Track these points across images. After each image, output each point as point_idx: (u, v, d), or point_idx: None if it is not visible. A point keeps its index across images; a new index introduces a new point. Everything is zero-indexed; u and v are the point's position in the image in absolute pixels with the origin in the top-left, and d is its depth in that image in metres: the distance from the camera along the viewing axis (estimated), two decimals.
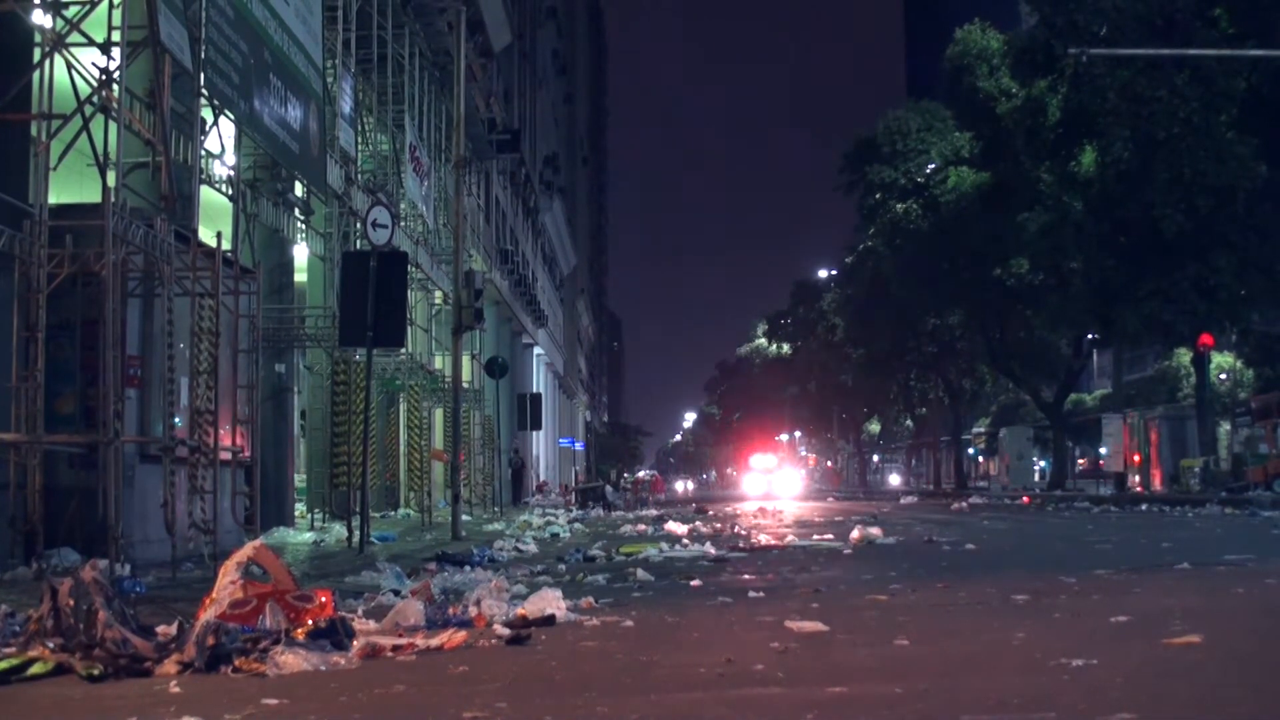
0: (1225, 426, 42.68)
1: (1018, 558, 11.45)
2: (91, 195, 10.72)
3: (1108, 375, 54.98)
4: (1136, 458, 39.10)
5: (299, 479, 19.66)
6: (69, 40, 10.50)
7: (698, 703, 4.32)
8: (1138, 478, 38.99)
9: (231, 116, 13.37)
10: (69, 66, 10.46)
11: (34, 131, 10.31)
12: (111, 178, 10.29)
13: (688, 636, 6.12)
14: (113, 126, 10.51)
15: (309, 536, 15.72)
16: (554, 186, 59.81)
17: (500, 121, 35.29)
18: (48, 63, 10.37)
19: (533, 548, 13.70)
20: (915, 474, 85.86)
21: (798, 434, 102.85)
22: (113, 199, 9.97)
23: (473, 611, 6.45)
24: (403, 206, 22.73)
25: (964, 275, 41.45)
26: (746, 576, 9.48)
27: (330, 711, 4.25)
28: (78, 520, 10.11)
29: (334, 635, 5.31)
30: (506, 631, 5.92)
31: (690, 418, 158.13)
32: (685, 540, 14.44)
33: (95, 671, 4.85)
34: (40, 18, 10.71)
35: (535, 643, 5.73)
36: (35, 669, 4.92)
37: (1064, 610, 6.75)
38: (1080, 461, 58.05)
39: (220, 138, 13.64)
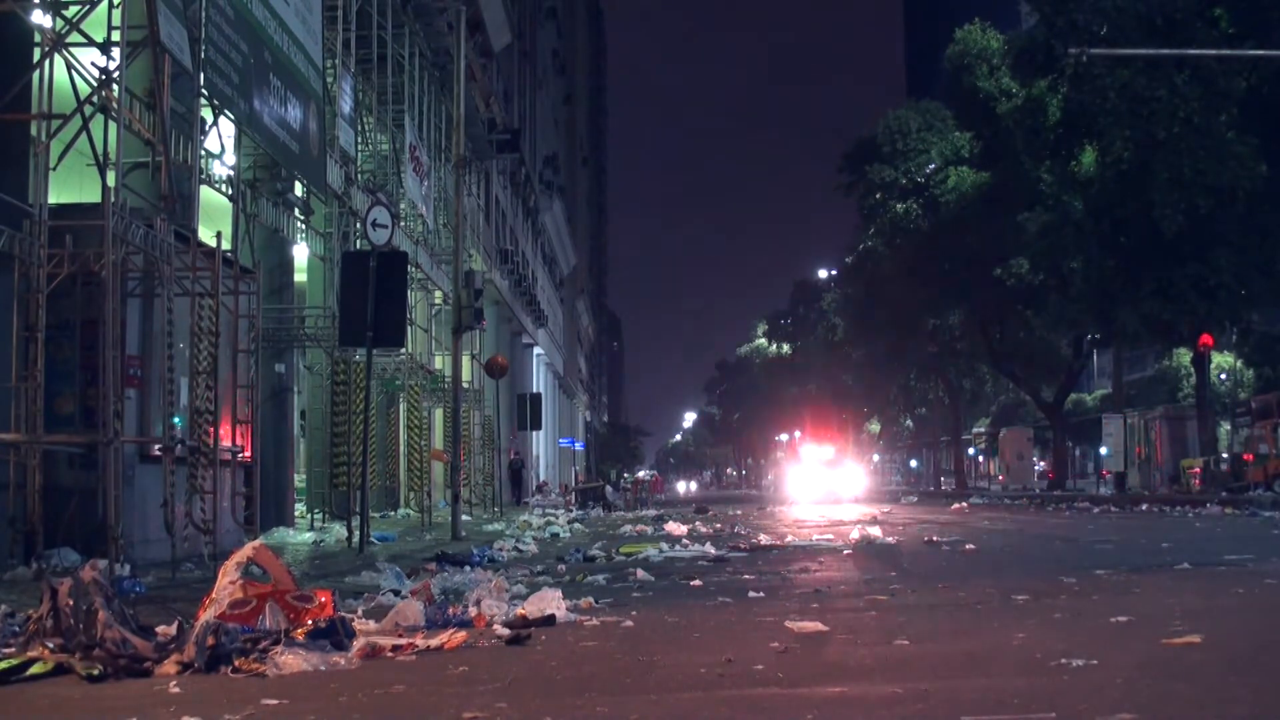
0: (1225, 426, 42.67)
1: (1018, 557, 11.46)
2: (91, 195, 10.73)
3: (1108, 375, 55.00)
4: (1140, 451, 39.14)
5: (299, 479, 19.67)
6: (69, 40, 10.51)
7: (698, 703, 4.32)
8: (1137, 478, 38.99)
9: (231, 116, 13.38)
10: (69, 66, 10.47)
11: (34, 131, 10.31)
12: (111, 178, 10.29)
13: (688, 636, 6.12)
14: (112, 126, 10.52)
15: (309, 536, 15.72)
16: (554, 186, 59.86)
17: (500, 121, 35.30)
18: (48, 63, 10.37)
19: (533, 548, 13.71)
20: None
21: (797, 434, 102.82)
22: (113, 199, 9.98)
23: (473, 611, 6.45)
24: (403, 206, 22.74)
25: (964, 275, 41.44)
26: (746, 576, 9.48)
27: (330, 711, 4.25)
28: (78, 520, 10.11)
29: (334, 635, 5.31)
30: (506, 631, 5.92)
31: (690, 418, 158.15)
32: (685, 540, 14.44)
33: (95, 671, 4.85)
34: (40, 18, 10.71)
35: (535, 643, 5.73)
36: (35, 669, 4.92)
37: (1064, 610, 6.75)
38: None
39: (220, 138, 13.65)
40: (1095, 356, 56.00)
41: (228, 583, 5.60)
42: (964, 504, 30.89)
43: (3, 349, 10.00)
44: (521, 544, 13.97)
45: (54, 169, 10.20)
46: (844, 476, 48.13)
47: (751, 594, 7.98)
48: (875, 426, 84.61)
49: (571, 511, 27.43)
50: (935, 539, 13.97)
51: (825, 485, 45.17)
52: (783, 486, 50.84)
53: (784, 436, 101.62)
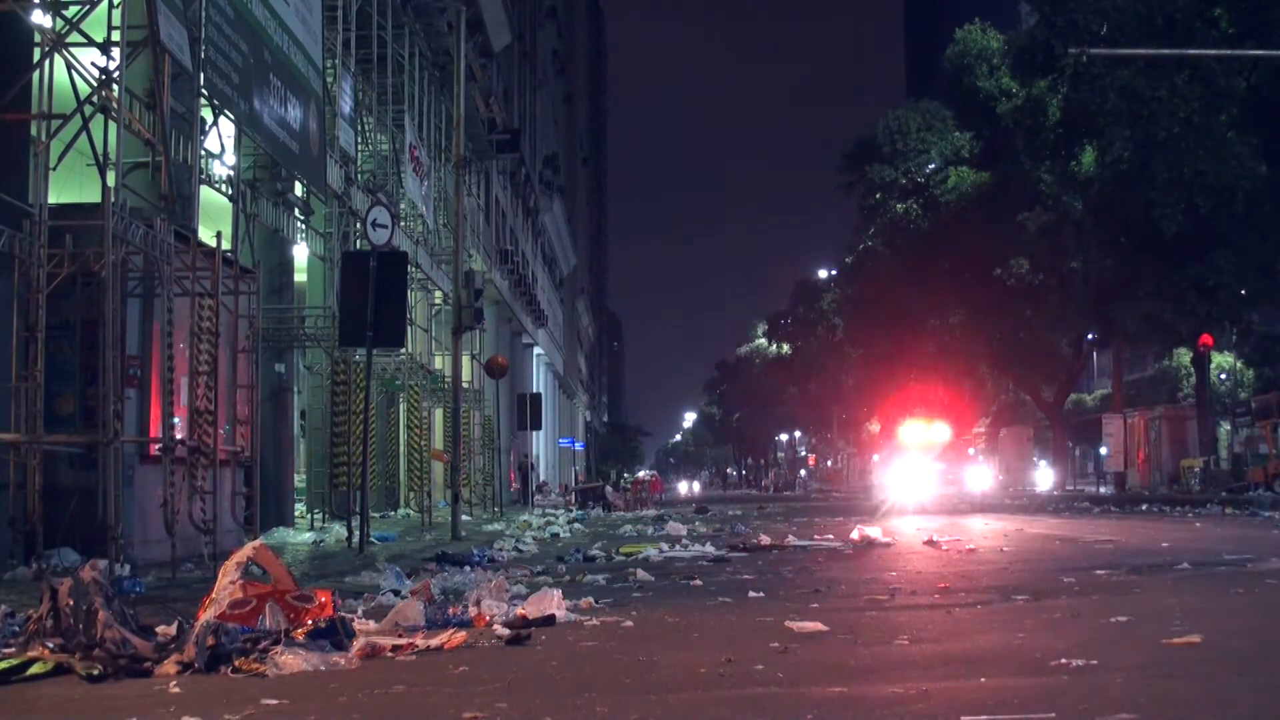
0: (1225, 426, 42.69)
1: (1017, 557, 11.44)
2: (91, 195, 10.73)
3: (1108, 375, 54.97)
4: (1140, 451, 39.09)
5: (299, 479, 19.66)
6: (69, 40, 10.51)
7: (698, 703, 4.32)
8: (1137, 478, 38.99)
9: (231, 116, 13.38)
10: (69, 66, 10.47)
11: (34, 131, 10.31)
12: (111, 178, 10.30)
13: (688, 636, 6.12)
14: (113, 126, 10.52)
15: (309, 536, 15.72)
16: (554, 186, 59.83)
17: (500, 121, 35.30)
18: (48, 63, 10.37)
19: (533, 548, 13.72)
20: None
21: (798, 434, 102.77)
22: (113, 199, 9.98)
23: (473, 611, 6.45)
24: (403, 206, 22.73)
25: (964, 275, 41.47)
26: (746, 576, 9.48)
27: (330, 711, 4.25)
28: (78, 520, 10.11)
29: (334, 635, 5.32)
30: (506, 631, 5.92)
31: (690, 418, 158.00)
32: (685, 540, 14.44)
33: (95, 671, 4.85)
34: (40, 18, 10.71)
35: (535, 643, 5.73)
36: (35, 669, 4.92)
37: (1064, 610, 6.75)
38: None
39: (220, 138, 13.65)
40: (1095, 356, 55.97)
41: (228, 583, 5.60)
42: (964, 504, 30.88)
43: (3, 349, 10.00)
44: (521, 544, 13.98)
45: (54, 169, 10.20)
46: (966, 471, 33.64)
47: (751, 594, 7.99)
48: (875, 426, 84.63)
49: (571, 511, 27.43)
50: (935, 539, 13.96)
51: (942, 483, 30.75)
52: (876, 487, 34.02)
53: (788, 435, 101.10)
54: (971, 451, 40.00)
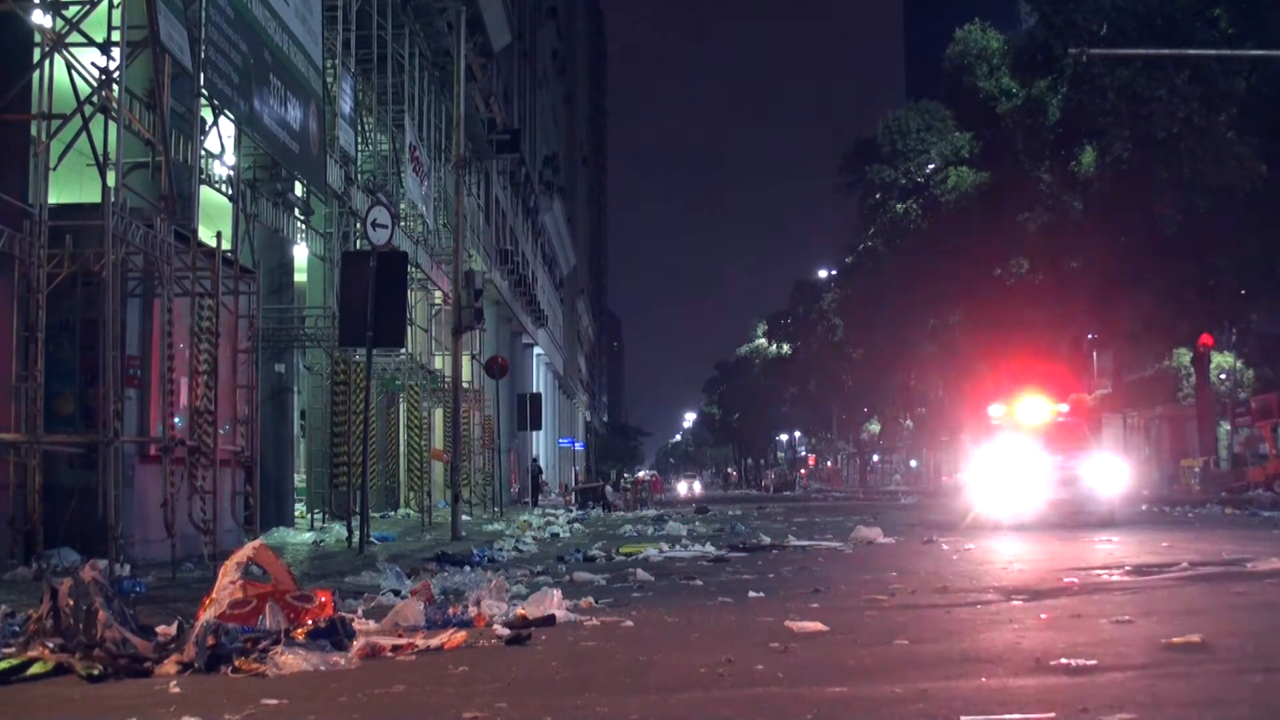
0: (1225, 426, 42.69)
1: (1017, 557, 11.45)
2: (91, 195, 10.73)
3: (1108, 375, 55.01)
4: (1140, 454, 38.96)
5: (299, 479, 19.66)
6: (69, 40, 10.52)
7: (698, 703, 4.33)
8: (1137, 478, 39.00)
9: (231, 116, 13.38)
10: (69, 66, 10.47)
11: (34, 131, 10.32)
12: (111, 178, 10.30)
13: (688, 636, 6.12)
14: (112, 126, 10.53)
15: (309, 536, 15.72)
16: (554, 186, 59.83)
17: (500, 121, 35.30)
18: (48, 63, 10.38)
19: (533, 548, 13.72)
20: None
21: (798, 434, 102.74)
22: (113, 199, 9.99)
23: (473, 611, 6.46)
24: (403, 206, 22.73)
25: (964, 275, 41.50)
26: (746, 576, 9.48)
27: (330, 711, 4.25)
28: (78, 520, 10.11)
29: (334, 635, 5.32)
30: (506, 631, 5.92)
31: (690, 418, 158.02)
32: (685, 540, 14.44)
33: (95, 671, 4.85)
34: (40, 18, 10.72)
35: (535, 643, 5.73)
36: (35, 669, 4.93)
37: (1064, 610, 6.75)
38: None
39: (220, 138, 13.65)
40: (1095, 356, 55.99)
41: (228, 583, 5.60)
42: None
43: (3, 349, 10.01)
44: (521, 544, 13.98)
45: (54, 169, 10.21)
46: (1085, 465, 19.59)
47: (751, 594, 7.98)
48: (875, 426, 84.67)
49: (571, 511, 27.42)
50: (935, 539, 13.97)
51: (1054, 482, 18.98)
52: (963, 487, 24.62)
53: (788, 435, 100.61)
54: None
